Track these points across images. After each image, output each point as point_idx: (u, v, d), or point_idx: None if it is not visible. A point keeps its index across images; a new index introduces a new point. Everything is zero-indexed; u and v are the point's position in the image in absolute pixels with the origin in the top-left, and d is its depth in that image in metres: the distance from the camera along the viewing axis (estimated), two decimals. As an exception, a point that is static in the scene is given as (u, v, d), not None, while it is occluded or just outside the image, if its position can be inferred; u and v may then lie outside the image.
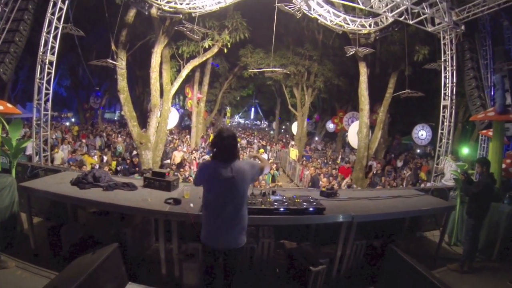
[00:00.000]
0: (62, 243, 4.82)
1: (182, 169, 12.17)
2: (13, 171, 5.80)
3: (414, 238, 7.06)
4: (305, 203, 4.41)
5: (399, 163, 19.03)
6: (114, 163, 12.13)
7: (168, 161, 14.52)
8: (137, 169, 12.11)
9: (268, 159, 19.44)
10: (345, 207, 4.87)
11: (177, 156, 14.58)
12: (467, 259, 5.62)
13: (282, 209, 4.21)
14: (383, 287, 4.65)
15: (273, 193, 4.80)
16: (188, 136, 22.45)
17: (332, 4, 11.12)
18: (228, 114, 52.85)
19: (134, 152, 14.25)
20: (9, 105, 8.07)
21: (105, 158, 13.62)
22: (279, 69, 14.84)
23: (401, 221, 6.60)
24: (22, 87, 27.80)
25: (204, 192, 3.38)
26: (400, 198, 5.79)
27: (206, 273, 3.52)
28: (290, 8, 10.56)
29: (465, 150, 15.87)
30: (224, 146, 3.30)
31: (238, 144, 3.55)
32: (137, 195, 4.62)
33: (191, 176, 11.32)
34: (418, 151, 26.23)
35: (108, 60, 11.17)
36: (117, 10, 11.78)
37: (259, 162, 3.71)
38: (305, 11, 10.81)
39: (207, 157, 15.49)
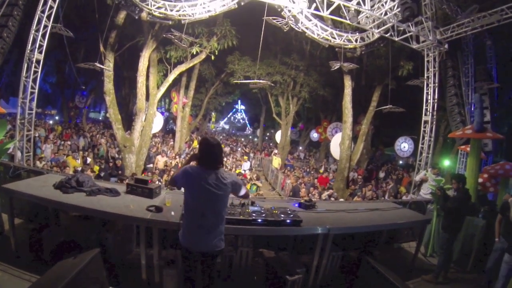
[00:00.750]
0: (43, 246, 4.81)
1: (165, 175, 12.18)
2: (-4, 171, 5.79)
3: (391, 249, 7.19)
4: (282, 215, 4.51)
5: (381, 174, 19.32)
6: (97, 167, 12.04)
7: (151, 165, 14.52)
8: (120, 172, 12.09)
9: (251, 166, 19.53)
10: (323, 219, 4.99)
11: (160, 161, 14.58)
12: (442, 270, 5.79)
13: (259, 220, 4.32)
14: (357, 298, 4.78)
15: (252, 204, 4.88)
16: (172, 141, 22.35)
17: (321, 18, 11.30)
18: (213, 120, 52.76)
19: (117, 156, 14.22)
20: (-7, 104, 8.01)
21: (88, 159, 13.53)
22: (264, 81, 14.93)
23: (378, 233, 6.75)
24: (6, 81, 27.35)
25: (186, 195, 3.43)
26: (377, 211, 5.94)
27: (186, 280, 3.59)
28: (278, 21, 10.72)
29: (446, 163, 16.23)
30: (210, 153, 3.39)
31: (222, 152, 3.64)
32: (120, 202, 4.67)
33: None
34: (401, 162, 26.60)
35: (95, 63, 11.11)
36: (108, 11, 11.77)
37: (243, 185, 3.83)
38: (292, 25, 10.97)
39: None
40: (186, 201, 3.44)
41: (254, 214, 4.40)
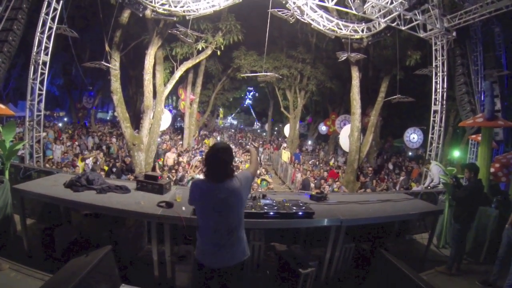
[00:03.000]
0: (55, 245, 4.84)
1: (173, 171, 12.20)
2: (6, 173, 5.82)
3: (404, 241, 7.15)
4: (294, 207, 4.48)
5: (390, 166, 19.21)
6: (106, 167, 12.10)
7: (160, 162, 14.55)
8: (132, 169, 12.19)
9: (261, 161, 19.47)
10: (334, 211, 4.94)
11: (170, 158, 14.60)
12: (455, 261, 5.72)
13: (272, 213, 4.27)
14: (371, 290, 4.74)
15: (264, 197, 4.86)
16: (180, 141, 22.38)
17: (326, 9, 11.22)
18: (221, 115, 52.81)
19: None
20: (2, 106, 8.08)
21: (99, 159, 13.60)
22: (271, 73, 14.89)
23: (390, 224, 6.69)
24: (14, 85, 27.62)
25: (197, 210, 3.23)
26: (389, 202, 5.87)
27: None
28: (283, 13, 10.65)
29: (456, 153, 16.06)
30: (216, 163, 3.04)
31: (233, 160, 3.29)
32: (130, 198, 4.67)
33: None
34: (410, 153, 26.42)
35: (102, 62, 11.16)
36: (112, 10, 11.78)
37: (251, 160, 3.65)
38: (298, 17, 10.90)
39: (199, 158, 15.52)
40: (198, 215, 3.21)
41: (266, 207, 4.37)
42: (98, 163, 12.63)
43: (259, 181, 12.83)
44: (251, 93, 46.48)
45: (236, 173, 3.17)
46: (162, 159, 14.59)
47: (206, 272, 3.12)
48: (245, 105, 57.67)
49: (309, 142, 30.09)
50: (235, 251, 3.12)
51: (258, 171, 14.48)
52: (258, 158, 3.56)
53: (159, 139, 16.62)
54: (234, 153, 3.39)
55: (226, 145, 3.25)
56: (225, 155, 3.05)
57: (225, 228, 3.05)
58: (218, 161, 3.03)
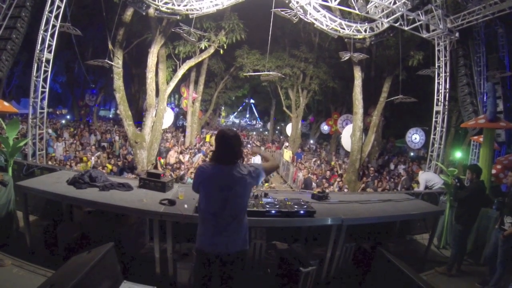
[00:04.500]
0: (58, 242, 4.87)
1: (177, 170, 12.23)
2: (10, 169, 5.85)
3: (404, 241, 7.15)
4: (296, 206, 4.50)
5: (392, 166, 19.20)
6: (109, 165, 12.14)
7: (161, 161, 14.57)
8: (134, 166, 12.23)
9: (262, 160, 19.45)
10: (336, 210, 4.96)
11: (172, 156, 14.63)
12: (455, 262, 5.73)
13: (273, 211, 4.29)
14: (371, 289, 4.76)
15: (265, 195, 4.90)
16: (182, 138, 22.41)
17: (329, 9, 11.23)
18: (223, 114, 52.83)
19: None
20: (5, 103, 8.11)
21: (101, 156, 13.64)
22: (274, 72, 14.91)
23: (391, 224, 6.72)
24: (16, 83, 27.68)
25: (201, 195, 3.15)
26: (390, 202, 5.88)
27: (202, 282, 3.25)
28: (286, 13, 10.66)
29: (457, 154, 16.03)
30: (226, 147, 3.07)
31: (241, 144, 3.26)
32: (133, 196, 4.69)
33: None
34: (412, 154, 26.38)
35: (105, 60, 11.20)
36: (115, 9, 11.82)
37: (263, 160, 3.64)
38: (301, 16, 10.91)
39: (201, 156, 15.54)
40: (201, 201, 3.16)
41: (267, 206, 4.38)
42: (99, 161, 12.68)
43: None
44: (252, 95, 46.40)
45: (248, 163, 3.20)
46: (161, 158, 14.59)
47: (207, 260, 3.13)
48: (247, 104, 57.77)
49: (311, 141, 30.08)
50: (237, 238, 3.13)
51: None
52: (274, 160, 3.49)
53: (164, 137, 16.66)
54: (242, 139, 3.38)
55: (234, 131, 3.26)
56: (233, 139, 3.08)
57: (228, 213, 3.05)
58: (226, 144, 3.07)
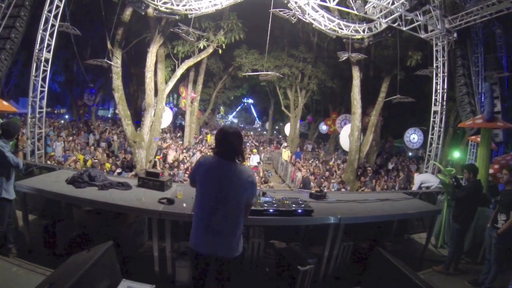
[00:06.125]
0: (57, 241, 4.89)
1: (176, 169, 12.24)
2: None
3: (402, 240, 7.17)
4: (294, 205, 4.51)
5: (390, 166, 19.24)
6: (108, 165, 12.15)
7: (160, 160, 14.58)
8: (133, 165, 12.23)
9: (261, 160, 19.51)
10: (333, 209, 4.99)
11: (170, 155, 14.65)
12: (452, 261, 5.76)
13: (271, 210, 4.30)
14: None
15: (264, 194, 4.90)
16: (180, 140, 22.40)
17: (327, 9, 11.25)
18: (222, 113, 52.76)
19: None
20: (5, 103, 8.11)
21: (98, 155, 13.65)
22: (272, 72, 14.94)
23: (389, 223, 6.74)
24: (15, 82, 27.63)
25: (198, 190, 3.12)
26: (388, 201, 5.91)
27: (196, 282, 3.25)
28: (285, 13, 10.68)
29: (455, 154, 16.07)
30: (226, 142, 3.05)
31: (242, 141, 3.24)
32: (132, 195, 4.70)
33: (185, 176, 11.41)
34: (410, 154, 26.42)
35: (104, 60, 11.21)
36: (114, 8, 11.82)
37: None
38: (299, 16, 10.94)
39: (198, 154, 15.57)
40: (197, 196, 3.14)
41: (265, 205, 4.39)
42: (97, 160, 12.70)
43: None
44: (250, 94, 46.32)
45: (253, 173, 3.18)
46: (158, 156, 14.59)
47: (202, 261, 3.11)
48: (246, 104, 57.69)
49: (308, 145, 30.12)
50: (230, 241, 3.07)
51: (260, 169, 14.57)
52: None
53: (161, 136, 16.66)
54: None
55: (235, 127, 3.32)
56: (233, 135, 3.07)
57: (222, 212, 3.00)
58: (226, 140, 3.06)
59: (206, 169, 3.08)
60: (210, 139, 22.88)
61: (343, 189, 12.90)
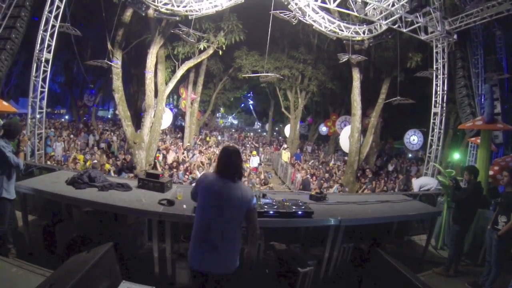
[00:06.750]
0: (56, 242, 4.88)
1: (174, 170, 12.24)
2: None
3: (402, 242, 7.16)
4: (294, 207, 4.51)
5: (390, 167, 19.23)
6: (107, 166, 12.14)
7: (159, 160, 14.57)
8: (133, 165, 12.22)
9: (261, 161, 19.53)
10: (333, 211, 4.98)
11: (170, 156, 14.65)
12: (452, 263, 5.76)
13: (271, 212, 4.31)
14: (368, 289, 4.77)
15: (264, 196, 4.91)
16: (180, 142, 22.38)
17: (327, 11, 11.26)
18: (222, 112, 52.75)
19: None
20: (4, 103, 8.10)
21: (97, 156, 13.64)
22: (272, 74, 14.95)
23: (389, 225, 6.73)
24: (15, 83, 27.65)
25: (197, 205, 3.24)
26: (388, 203, 5.91)
27: None
28: (285, 15, 10.69)
29: (455, 156, 16.07)
30: (226, 161, 3.18)
31: (242, 161, 3.40)
32: (132, 196, 4.70)
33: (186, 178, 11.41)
34: (410, 155, 26.42)
35: (104, 61, 11.22)
36: (114, 9, 11.83)
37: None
38: (300, 18, 10.94)
39: (198, 155, 15.57)
40: (197, 212, 3.25)
41: (266, 206, 4.40)
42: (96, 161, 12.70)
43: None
44: (250, 96, 46.27)
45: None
46: (158, 155, 14.57)
47: (199, 279, 3.16)
48: (245, 105, 57.60)
49: (308, 147, 30.12)
50: (226, 257, 3.13)
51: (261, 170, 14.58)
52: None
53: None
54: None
55: (235, 147, 3.49)
56: (233, 153, 3.23)
57: (219, 228, 3.09)
58: (227, 158, 3.20)
59: (206, 186, 3.18)
60: (210, 139, 22.89)
61: (341, 191, 12.90)
